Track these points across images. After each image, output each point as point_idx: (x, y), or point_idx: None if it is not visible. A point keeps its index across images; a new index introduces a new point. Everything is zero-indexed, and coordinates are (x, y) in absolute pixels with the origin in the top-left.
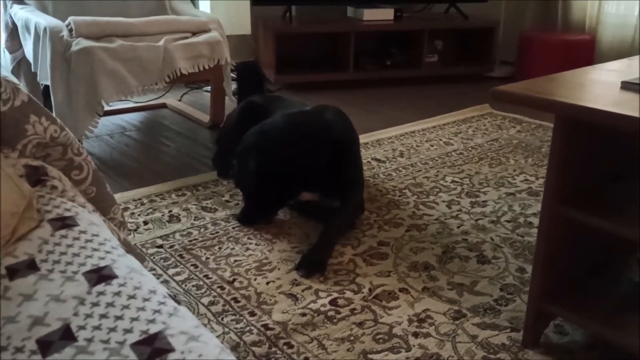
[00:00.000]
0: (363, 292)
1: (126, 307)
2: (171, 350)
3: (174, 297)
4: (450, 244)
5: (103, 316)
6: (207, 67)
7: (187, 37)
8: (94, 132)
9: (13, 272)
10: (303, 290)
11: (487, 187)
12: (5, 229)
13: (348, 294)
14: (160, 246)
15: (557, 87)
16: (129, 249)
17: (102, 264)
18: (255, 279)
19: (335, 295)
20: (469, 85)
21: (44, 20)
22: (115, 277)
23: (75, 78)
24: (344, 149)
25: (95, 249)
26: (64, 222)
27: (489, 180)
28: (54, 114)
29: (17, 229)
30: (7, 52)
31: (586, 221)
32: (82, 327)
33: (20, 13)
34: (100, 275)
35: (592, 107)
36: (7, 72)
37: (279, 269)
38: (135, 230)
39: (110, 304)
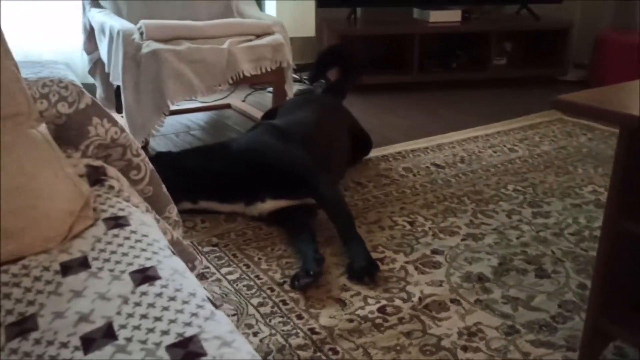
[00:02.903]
0: (413, 301)
1: (166, 308)
2: (203, 354)
3: (213, 301)
4: (507, 255)
5: (143, 316)
6: (269, 70)
7: (250, 40)
8: (160, 130)
9: (66, 269)
10: (352, 296)
11: (552, 197)
12: (62, 227)
13: (397, 302)
14: (216, 245)
15: (625, 97)
16: (181, 247)
17: (148, 264)
18: None
19: (384, 302)
20: (539, 89)
21: (118, 24)
22: (159, 278)
23: (144, 79)
24: (254, 154)
25: (143, 249)
26: (117, 222)
27: (554, 190)
28: (123, 113)
29: (74, 226)
30: (85, 53)
31: None
32: (123, 326)
33: (97, 16)
34: (145, 276)
35: None
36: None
37: (329, 273)
38: (192, 228)
39: (151, 305)
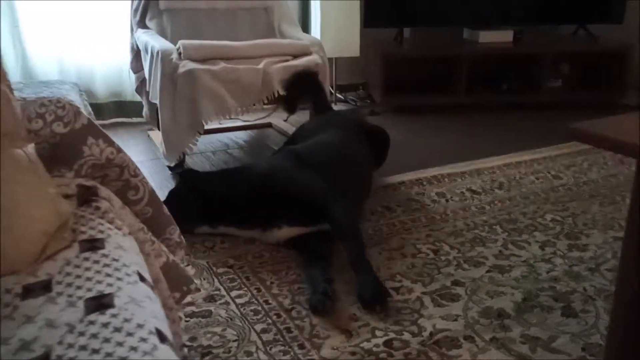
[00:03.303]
0: (423, 336)
1: (107, 340)
2: None
3: (164, 334)
4: (534, 290)
5: (83, 348)
6: None
7: (287, 60)
8: (198, 147)
9: (27, 292)
10: (360, 327)
11: (593, 229)
12: (35, 248)
13: (406, 335)
14: (231, 266)
15: None
16: (176, 271)
17: (107, 291)
18: None
19: (392, 335)
20: (595, 113)
21: (158, 44)
22: (112, 306)
23: (179, 98)
24: (271, 180)
25: (108, 274)
26: (92, 244)
27: (597, 221)
28: (160, 130)
29: (48, 248)
30: (131, 72)
31: None
32: (60, 357)
33: (142, 36)
34: (99, 304)
35: None
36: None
37: (340, 301)
38: (211, 248)
39: (94, 336)
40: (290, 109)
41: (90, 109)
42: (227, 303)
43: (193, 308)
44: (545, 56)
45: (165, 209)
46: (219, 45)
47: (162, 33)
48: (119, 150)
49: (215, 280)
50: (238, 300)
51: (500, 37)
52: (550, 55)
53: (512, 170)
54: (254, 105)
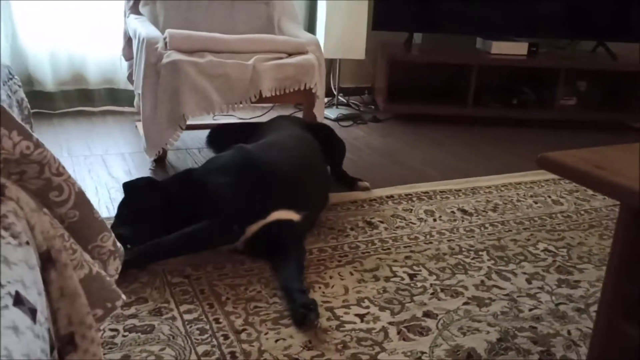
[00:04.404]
0: None
1: None
2: None
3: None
4: (512, 329)
5: None
6: (292, 91)
7: (281, 58)
8: (184, 143)
9: None
10: (312, 358)
11: (587, 263)
12: None
13: None
14: (187, 276)
15: (634, 162)
16: (99, 285)
17: None
18: (265, 333)
19: None
20: (610, 135)
21: (145, 31)
22: None
23: (161, 89)
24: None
25: None
26: None
27: (593, 255)
28: (141, 122)
29: None
30: (123, 59)
31: None
32: None
33: (132, 22)
34: None
35: None
36: (122, 80)
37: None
38: None
39: None
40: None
41: (24, 98)
42: (173, 318)
43: (135, 321)
44: (561, 72)
45: (97, 213)
46: (208, 37)
47: (154, 21)
48: (38, 145)
49: (167, 290)
50: (186, 316)
51: (514, 48)
52: (565, 71)
53: (510, 192)
54: (241, 103)
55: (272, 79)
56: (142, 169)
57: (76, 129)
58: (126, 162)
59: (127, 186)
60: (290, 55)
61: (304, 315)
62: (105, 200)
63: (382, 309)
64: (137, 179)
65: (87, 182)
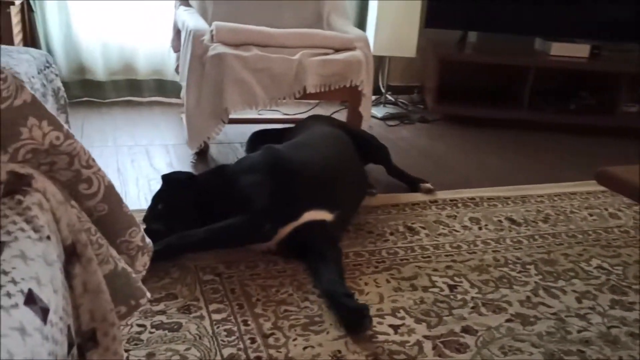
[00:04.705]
0: None
1: None
2: None
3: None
4: (557, 352)
5: None
6: (337, 87)
7: (328, 54)
8: (228, 137)
9: None
10: None
11: None
12: None
13: None
14: (219, 274)
15: None
16: (125, 281)
17: None
18: (294, 339)
19: None
20: None
21: (193, 23)
22: None
23: (206, 82)
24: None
25: None
26: None
27: None
28: (184, 114)
29: None
30: (172, 50)
31: None
32: None
33: (181, 14)
34: None
35: None
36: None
37: (327, 333)
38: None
39: None
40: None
41: (60, 87)
42: (201, 317)
43: (163, 318)
44: (624, 77)
45: (126, 208)
46: (255, 31)
47: (203, 13)
48: (68, 135)
49: (198, 288)
50: (214, 316)
51: (575, 50)
52: (629, 76)
53: (564, 202)
54: (284, 99)
55: (318, 74)
56: (183, 161)
57: (123, 118)
58: (169, 153)
59: (166, 179)
60: (337, 51)
61: (357, 321)
62: (145, 192)
63: (418, 321)
64: (176, 173)
65: (128, 172)
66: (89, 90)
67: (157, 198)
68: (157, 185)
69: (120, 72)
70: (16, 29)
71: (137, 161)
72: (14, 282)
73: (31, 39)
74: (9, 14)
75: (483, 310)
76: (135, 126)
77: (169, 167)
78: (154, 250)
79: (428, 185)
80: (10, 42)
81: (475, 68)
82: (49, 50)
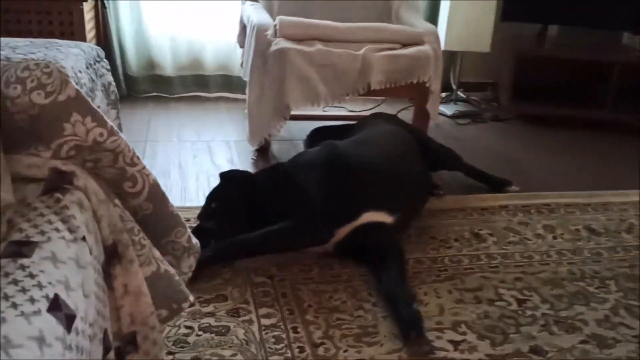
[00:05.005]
0: None
1: None
2: None
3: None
4: None
5: None
6: (403, 84)
7: (394, 48)
8: (290, 133)
9: None
10: None
11: None
12: None
13: None
14: (271, 277)
15: None
16: (167, 283)
17: None
18: (345, 350)
19: None
20: None
21: (257, 18)
22: None
23: (268, 78)
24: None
25: (10, 296)
26: (19, 249)
27: None
28: (246, 111)
29: None
30: (238, 46)
31: None
32: None
33: (247, 9)
34: None
35: None
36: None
37: (381, 345)
38: None
39: None
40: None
41: (111, 82)
42: (250, 322)
43: (211, 320)
44: None
45: (172, 207)
46: (319, 25)
47: (270, 8)
48: (112, 132)
49: (249, 290)
50: (263, 321)
51: None
52: None
53: None
54: (347, 95)
55: (383, 70)
56: (244, 158)
57: (189, 114)
58: (230, 150)
59: (223, 177)
60: (404, 46)
61: (406, 333)
62: (203, 188)
63: (481, 337)
64: (234, 171)
65: (190, 168)
66: (157, 86)
67: (212, 196)
68: (216, 182)
69: (188, 67)
70: (89, 25)
71: (199, 157)
72: (39, 286)
73: (104, 34)
74: (81, 10)
75: (555, 329)
76: (200, 122)
77: (229, 164)
78: (205, 256)
79: (514, 187)
80: (83, 38)
81: (556, 64)
82: (121, 46)
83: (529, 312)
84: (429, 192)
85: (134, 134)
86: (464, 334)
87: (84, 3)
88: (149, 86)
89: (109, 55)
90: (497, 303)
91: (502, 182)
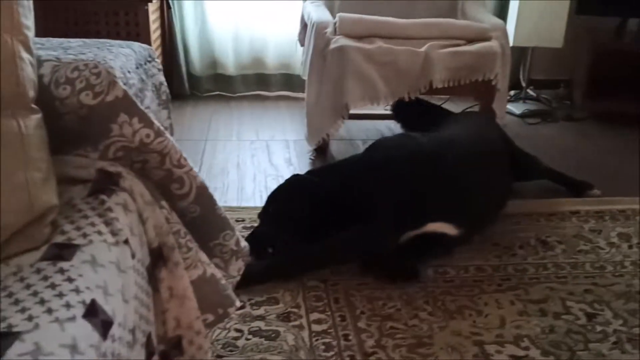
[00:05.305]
0: None
1: None
2: None
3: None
4: None
5: None
6: (468, 82)
7: (459, 45)
8: (349, 133)
9: None
10: None
11: None
12: None
13: None
14: (324, 281)
15: None
16: (214, 288)
17: (23, 327)
18: None
19: None
20: None
21: (317, 15)
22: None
23: (326, 76)
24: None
25: (39, 302)
26: (60, 252)
27: None
28: (305, 110)
29: (5, 247)
30: (299, 44)
31: None
32: None
33: (308, 7)
34: (5, 342)
35: None
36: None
37: (436, 358)
38: None
39: None
40: None
41: (163, 82)
42: (300, 327)
43: (261, 324)
44: None
45: (220, 210)
46: (380, 21)
47: (330, 7)
48: (159, 133)
49: (301, 294)
50: (314, 327)
51: None
52: None
53: None
54: (409, 94)
55: (446, 68)
56: (302, 158)
57: (250, 113)
58: (288, 149)
59: (289, 180)
60: (470, 41)
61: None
62: (260, 188)
63: (545, 353)
64: (302, 176)
65: (247, 167)
66: (220, 85)
67: (272, 198)
68: (273, 182)
69: (249, 66)
70: (154, 25)
71: (257, 156)
72: (77, 291)
73: (169, 35)
74: (146, 11)
75: (628, 347)
76: (260, 120)
77: (287, 164)
78: (257, 271)
79: (596, 191)
80: (148, 38)
81: (636, 60)
82: (185, 46)
83: (599, 328)
84: (503, 208)
85: (195, 132)
86: (526, 349)
87: (149, 3)
88: (211, 85)
89: (173, 55)
90: (564, 317)
91: (584, 185)
